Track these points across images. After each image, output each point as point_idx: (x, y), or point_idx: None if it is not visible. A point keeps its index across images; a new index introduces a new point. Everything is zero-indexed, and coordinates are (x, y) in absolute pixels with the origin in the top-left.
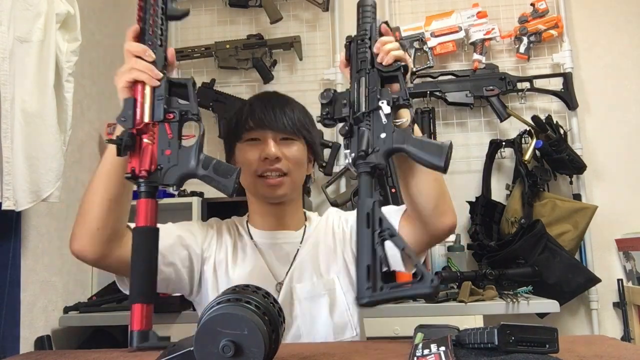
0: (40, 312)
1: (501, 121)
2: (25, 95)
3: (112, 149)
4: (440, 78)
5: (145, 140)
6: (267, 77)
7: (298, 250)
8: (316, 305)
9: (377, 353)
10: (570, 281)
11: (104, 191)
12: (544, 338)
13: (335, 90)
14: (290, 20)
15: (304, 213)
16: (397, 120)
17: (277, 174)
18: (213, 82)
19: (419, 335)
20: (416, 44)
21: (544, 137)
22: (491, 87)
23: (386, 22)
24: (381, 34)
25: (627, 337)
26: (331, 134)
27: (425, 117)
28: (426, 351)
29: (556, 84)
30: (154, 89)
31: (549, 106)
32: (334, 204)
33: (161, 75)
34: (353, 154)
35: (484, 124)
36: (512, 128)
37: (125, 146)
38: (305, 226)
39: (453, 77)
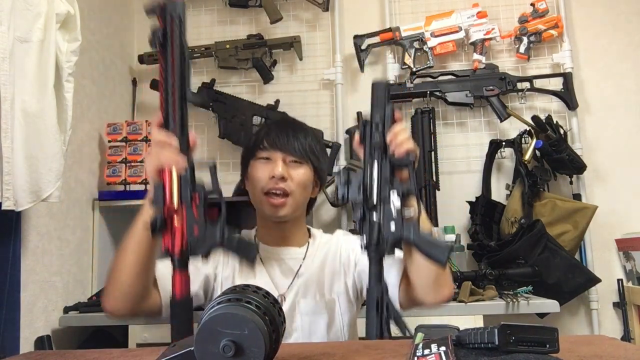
0: (40, 312)
1: (501, 121)
2: (25, 95)
3: (139, 222)
4: (440, 78)
5: (175, 221)
6: (267, 77)
7: (301, 265)
8: (315, 321)
9: (377, 353)
10: (570, 281)
11: (133, 260)
12: (544, 338)
13: (349, 171)
14: (290, 20)
15: (308, 230)
16: (405, 210)
17: (281, 193)
18: (213, 82)
19: (419, 335)
20: (416, 44)
21: (544, 137)
22: (491, 87)
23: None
24: (394, 120)
25: (627, 337)
26: (331, 134)
27: (425, 117)
28: (426, 351)
29: (556, 84)
30: (180, 174)
31: (549, 106)
32: (334, 204)
33: (186, 163)
34: (365, 240)
35: (484, 124)
36: (512, 128)
37: (159, 229)
38: (309, 243)
39: (453, 77)
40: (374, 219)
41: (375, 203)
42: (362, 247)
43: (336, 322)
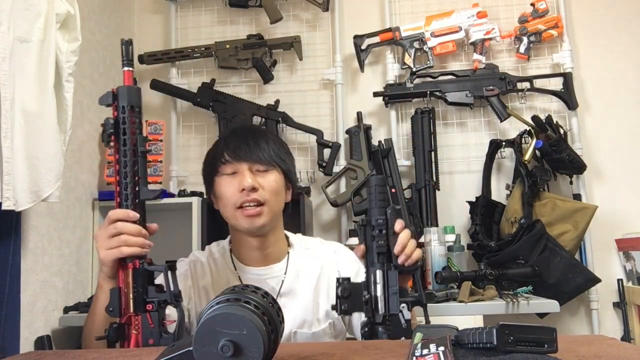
0: (40, 312)
1: (501, 121)
2: (25, 95)
3: (98, 305)
4: (440, 78)
5: (133, 330)
6: (267, 77)
7: (282, 281)
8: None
9: (376, 353)
10: (570, 281)
11: (100, 329)
12: (542, 338)
13: (349, 281)
14: (290, 20)
15: (287, 238)
16: (413, 323)
17: (254, 204)
18: (213, 82)
19: (418, 335)
20: (416, 44)
21: (544, 137)
22: (491, 87)
23: (395, 209)
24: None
25: (627, 337)
26: (331, 134)
27: (425, 117)
28: (425, 351)
29: (556, 84)
30: (135, 277)
31: (549, 106)
32: (334, 203)
33: (150, 242)
34: None
35: (484, 124)
36: (512, 128)
37: (112, 341)
38: (289, 253)
39: (453, 77)
40: (382, 332)
41: (382, 317)
42: None
43: None
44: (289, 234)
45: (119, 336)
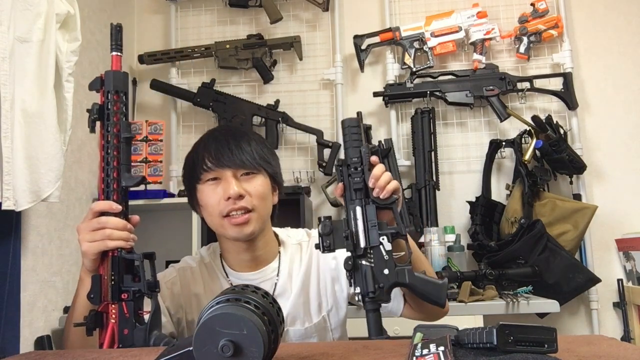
0: (40, 312)
1: (501, 121)
2: (25, 95)
3: (80, 296)
4: (440, 78)
5: (111, 319)
6: (267, 77)
7: (276, 284)
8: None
9: (376, 353)
10: (570, 281)
11: (78, 331)
12: (542, 338)
13: (330, 219)
14: (290, 20)
15: (277, 236)
16: (396, 254)
17: (242, 212)
18: (213, 82)
19: (418, 335)
20: (416, 44)
21: (544, 137)
22: (491, 87)
23: (367, 133)
24: (371, 164)
25: (627, 337)
26: (331, 134)
27: (425, 117)
28: (425, 351)
29: (556, 84)
30: (113, 265)
31: (549, 106)
32: (334, 203)
33: (134, 236)
34: (359, 290)
35: (484, 124)
36: (512, 128)
37: (90, 328)
38: (280, 253)
39: (453, 77)
40: (365, 265)
41: (364, 249)
42: (357, 298)
43: (327, 339)
44: (277, 230)
45: (97, 324)
